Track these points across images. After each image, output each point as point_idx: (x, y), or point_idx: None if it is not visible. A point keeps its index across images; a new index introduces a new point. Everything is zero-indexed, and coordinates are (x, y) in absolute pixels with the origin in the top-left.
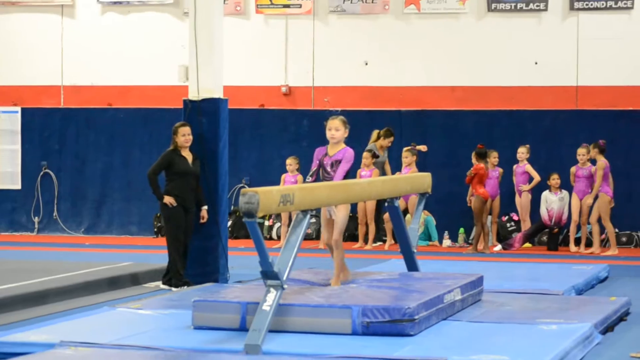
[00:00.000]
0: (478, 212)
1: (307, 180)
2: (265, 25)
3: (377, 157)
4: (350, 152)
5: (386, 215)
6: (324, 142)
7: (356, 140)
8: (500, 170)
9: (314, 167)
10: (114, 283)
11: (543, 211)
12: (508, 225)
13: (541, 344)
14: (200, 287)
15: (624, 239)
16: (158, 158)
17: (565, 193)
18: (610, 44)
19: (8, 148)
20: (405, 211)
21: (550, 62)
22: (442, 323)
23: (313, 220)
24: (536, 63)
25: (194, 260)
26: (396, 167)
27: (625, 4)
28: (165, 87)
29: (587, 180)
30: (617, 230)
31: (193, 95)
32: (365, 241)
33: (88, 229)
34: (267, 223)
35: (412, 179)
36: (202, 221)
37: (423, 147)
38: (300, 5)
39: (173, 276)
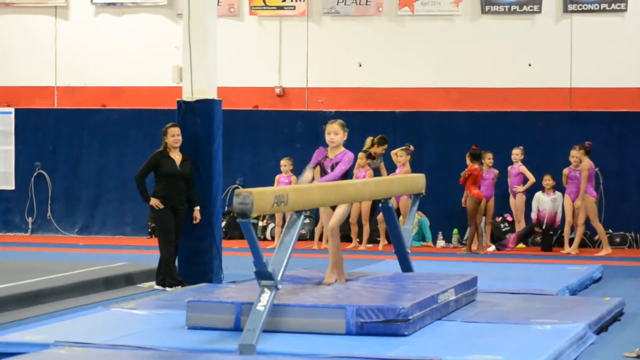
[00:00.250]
0: (472, 212)
1: (308, 167)
2: (259, 27)
3: (373, 158)
4: (349, 155)
5: (380, 216)
6: (318, 143)
7: (349, 141)
8: (496, 171)
9: (312, 164)
10: (108, 283)
11: (534, 212)
12: (502, 226)
13: (535, 344)
14: (194, 287)
15: (617, 239)
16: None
17: (558, 194)
18: (603, 46)
19: (2, 149)
20: (397, 212)
21: (544, 64)
22: (436, 323)
23: (307, 221)
24: (530, 65)
25: (188, 261)
26: (390, 170)
27: (618, 6)
28: (159, 88)
29: (579, 182)
30: (610, 230)
31: (187, 96)
32: (360, 242)
33: (82, 229)
34: (261, 224)
35: (406, 180)
36: (194, 222)
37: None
38: (294, 7)
39: (167, 276)
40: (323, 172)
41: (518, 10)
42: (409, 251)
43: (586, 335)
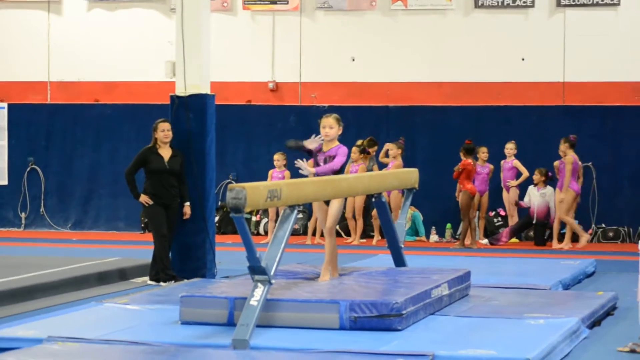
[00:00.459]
0: (465, 207)
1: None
2: (252, 22)
3: (367, 152)
4: (344, 149)
5: (375, 212)
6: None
7: (342, 136)
8: (491, 166)
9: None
10: (102, 278)
11: (525, 202)
12: (495, 220)
13: (528, 339)
14: (188, 282)
15: (610, 234)
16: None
17: (549, 189)
18: (596, 40)
19: None
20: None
21: (537, 58)
22: (429, 318)
23: (300, 215)
24: (523, 59)
25: (181, 256)
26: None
27: (611, 0)
28: (152, 82)
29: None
30: (604, 225)
31: (180, 91)
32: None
33: (75, 224)
34: (254, 219)
35: (399, 175)
36: (184, 217)
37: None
38: (287, 2)
39: (160, 271)
40: (316, 165)
41: (511, 4)
42: (402, 246)
43: (579, 330)
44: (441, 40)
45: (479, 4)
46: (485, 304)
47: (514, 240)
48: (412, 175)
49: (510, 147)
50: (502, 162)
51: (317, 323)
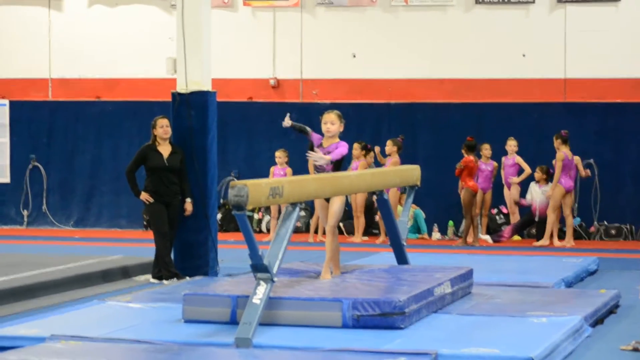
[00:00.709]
0: (467, 204)
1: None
2: (253, 18)
3: (368, 149)
4: (344, 143)
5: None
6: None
7: (343, 132)
8: (495, 164)
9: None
10: (104, 276)
11: (527, 199)
12: (497, 217)
13: (531, 337)
14: (190, 280)
15: (613, 231)
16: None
17: (549, 186)
18: (597, 37)
19: None
20: None
21: (538, 54)
22: (432, 316)
23: (303, 213)
24: (524, 55)
25: (183, 254)
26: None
27: None
28: (154, 79)
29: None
30: (606, 222)
31: (181, 88)
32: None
33: (77, 222)
34: (256, 216)
35: (401, 172)
36: (185, 214)
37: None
38: None
39: (163, 269)
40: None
41: (512, 0)
42: (405, 244)
43: (582, 328)
44: (442, 37)
45: (480, 0)
46: (487, 302)
47: (516, 237)
48: (414, 173)
49: (511, 144)
50: (503, 158)
51: (319, 321)
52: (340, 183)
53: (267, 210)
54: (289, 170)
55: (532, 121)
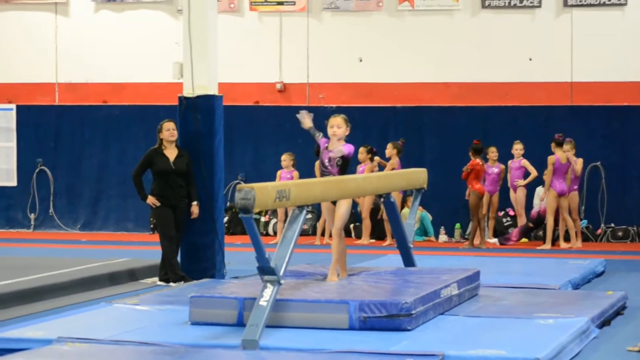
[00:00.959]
0: (474, 207)
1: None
2: (259, 23)
3: (374, 153)
4: (349, 146)
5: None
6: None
7: (350, 136)
8: (502, 166)
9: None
10: (111, 279)
11: (536, 207)
12: (504, 220)
13: (538, 338)
14: (197, 282)
15: (620, 233)
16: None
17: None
18: (604, 40)
19: (3, 145)
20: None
21: (545, 58)
22: (439, 318)
23: (309, 216)
24: (530, 59)
25: (190, 256)
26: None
27: (618, 0)
28: (160, 84)
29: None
30: (613, 225)
31: (188, 92)
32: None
33: (84, 225)
34: (263, 219)
35: (407, 175)
36: (192, 217)
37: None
38: (294, 3)
39: (169, 272)
40: (321, 163)
41: (518, 4)
42: (412, 246)
43: (589, 330)
44: (448, 41)
45: (486, 5)
46: (494, 304)
47: (523, 240)
48: (420, 176)
49: (518, 148)
50: (509, 162)
51: (326, 323)
52: (346, 186)
53: (274, 212)
54: (295, 173)
55: (539, 124)
